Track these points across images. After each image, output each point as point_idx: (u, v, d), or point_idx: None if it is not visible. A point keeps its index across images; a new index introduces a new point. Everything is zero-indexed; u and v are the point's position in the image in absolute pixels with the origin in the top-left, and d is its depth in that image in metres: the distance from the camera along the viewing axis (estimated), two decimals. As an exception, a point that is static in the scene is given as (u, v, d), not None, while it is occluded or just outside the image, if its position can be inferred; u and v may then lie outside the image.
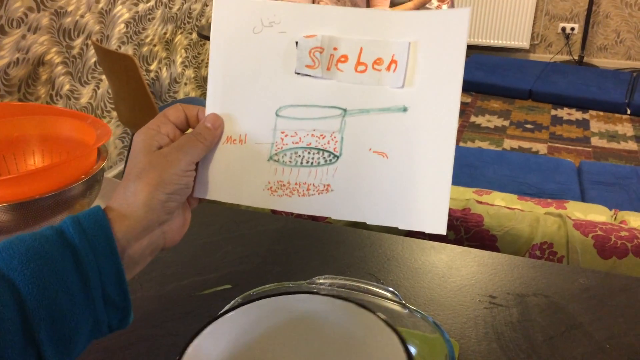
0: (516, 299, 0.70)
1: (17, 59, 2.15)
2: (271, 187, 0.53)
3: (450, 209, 0.77)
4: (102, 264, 0.43)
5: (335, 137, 0.52)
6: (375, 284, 0.62)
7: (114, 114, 2.68)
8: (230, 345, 0.49)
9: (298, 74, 0.53)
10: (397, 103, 0.51)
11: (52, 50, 2.31)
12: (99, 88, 2.60)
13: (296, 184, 0.53)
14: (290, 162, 0.53)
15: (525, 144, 3.23)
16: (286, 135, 0.53)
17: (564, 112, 3.66)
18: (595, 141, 3.27)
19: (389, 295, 0.60)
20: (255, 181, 0.53)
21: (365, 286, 0.61)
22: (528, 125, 3.46)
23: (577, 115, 3.62)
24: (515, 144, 3.23)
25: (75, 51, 2.43)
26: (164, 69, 3.10)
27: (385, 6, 2.65)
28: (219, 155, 0.53)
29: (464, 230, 1.16)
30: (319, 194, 0.53)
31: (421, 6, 3.21)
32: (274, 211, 0.93)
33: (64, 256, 0.42)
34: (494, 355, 0.61)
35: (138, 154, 0.48)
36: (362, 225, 0.79)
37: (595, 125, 3.47)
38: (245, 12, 0.53)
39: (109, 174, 2.67)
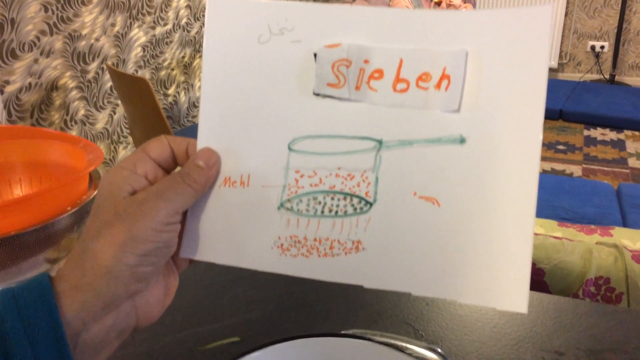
0: (589, 356, 0.56)
1: (30, 83, 2.09)
2: (282, 245, 0.40)
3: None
4: (44, 358, 0.31)
5: (367, 178, 0.39)
6: (416, 341, 0.49)
7: (130, 139, 2.61)
8: None
9: (318, 95, 0.40)
10: (451, 132, 0.38)
11: (66, 74, 2.24)
12: (115, 113, 2.53)
13: (315, 240, 0.40)
14: (307, 211, 0.40)
15: (559, 166, 3.07)
16: (302, 176, 0.40)
17: (597, 133, 3.50)
18: (632, 162, 3.10)
19: (436, 357, 0.47)
20: (261, 236, 0.40)
21: (404, 344, 0.49)
22: (560, 147, 3.31)
23: (611, 135, 3.45)
24: (547, 166, 3.07)
25: (90, 75, 2.36)
26: (182, 93, 3.03)
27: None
28: (214, 203, 0.41)
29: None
30: (346, 254, 0.39)
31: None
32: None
33: None
34: None
35: (103, 202, 0.36)
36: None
37: (632, 146, 3.30)
38: (247, 15, 0.41)
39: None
